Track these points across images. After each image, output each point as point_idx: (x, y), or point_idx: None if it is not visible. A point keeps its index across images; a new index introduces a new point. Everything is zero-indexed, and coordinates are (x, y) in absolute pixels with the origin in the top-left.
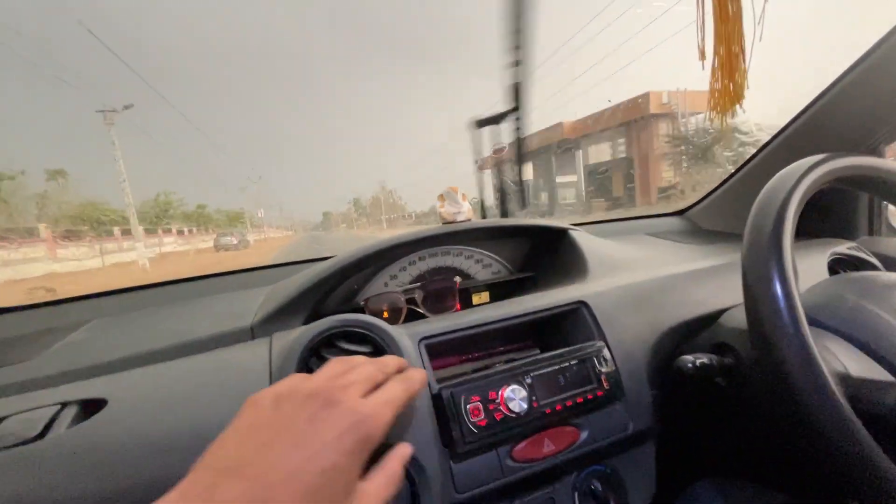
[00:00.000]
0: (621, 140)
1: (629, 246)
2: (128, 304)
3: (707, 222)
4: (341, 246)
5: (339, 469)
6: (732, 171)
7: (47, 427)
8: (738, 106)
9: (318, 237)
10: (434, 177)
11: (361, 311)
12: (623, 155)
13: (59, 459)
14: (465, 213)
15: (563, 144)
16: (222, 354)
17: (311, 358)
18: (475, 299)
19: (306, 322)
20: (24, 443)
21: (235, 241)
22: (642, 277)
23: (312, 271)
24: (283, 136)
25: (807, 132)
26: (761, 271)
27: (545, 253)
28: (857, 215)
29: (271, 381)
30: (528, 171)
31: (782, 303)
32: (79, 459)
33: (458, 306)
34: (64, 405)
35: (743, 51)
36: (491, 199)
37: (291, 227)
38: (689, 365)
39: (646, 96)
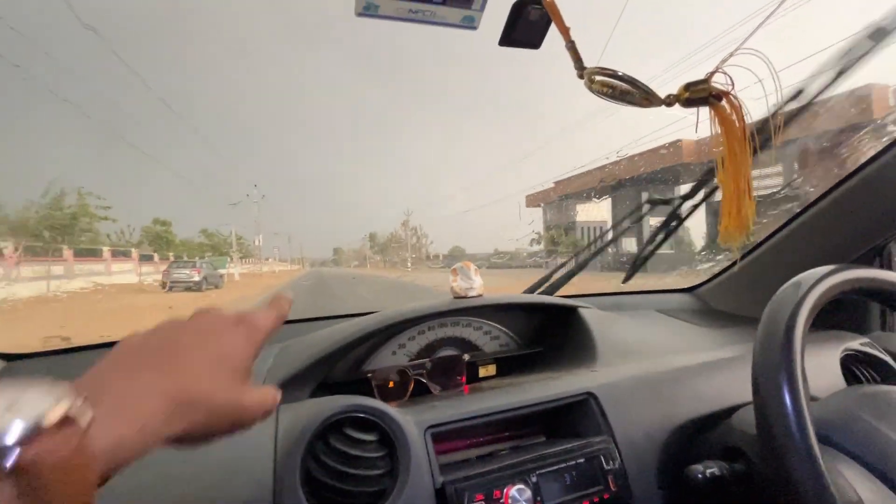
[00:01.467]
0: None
1: (639, 325)
2: None
3: (718, 302)
4: (344, 290)
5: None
6: (743, 252)
7: None
8: (745, 237)
9: (321, 275)
10: (475, 215)
11: (368, 382)
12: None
13: None
14: (476, 288)
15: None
16: None
17: (318, 443)
18: (482, 371)
19: (314, 392)
20: None
21: (198, 278)
22: (653, 368)
23: (327, 340)
24: (300, 161)
25: (820, 222)
26: (770, 385)
27: (554, 328)
28: (870, 310)
29: (275, 463)
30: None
31: (792, 421)
32: None
33: (464, 380)
34: None
35: (750, 187)
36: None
37: (301, 260)
38: (700, 476)
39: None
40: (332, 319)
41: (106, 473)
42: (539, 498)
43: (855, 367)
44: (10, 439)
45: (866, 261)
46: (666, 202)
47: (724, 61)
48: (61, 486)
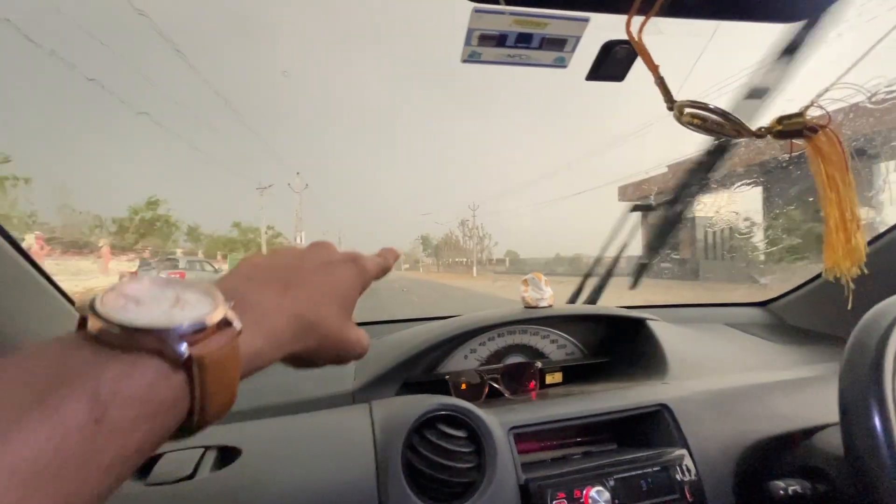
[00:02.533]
0: None
1: (709, 339)
2: None
3: (794, 318)
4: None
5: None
6: None
7: (196, 468)
8: (856, 268)
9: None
10: (529, 219)
11: (445, 383)
12: None
13: (207, 501)
14: (547, 299)
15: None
16: (330, 417)
17: (415, 436)
18: (548, 379)
19: (399, 391)
20: (179, 481)
21: None
22: (728, 384)
23: (409, 342)
24: (346, 158)
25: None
26: (859, 409)
27: (621, 340)
28: None
29: (376, 451)
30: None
31: (884, 450)
32: (222, 503)
33: (534, 386)
34: (206, 449)
35: (856, 216)
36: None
37: None
38: (782, 492)
39: None
40: (406, 322)
41: (244, 376)
42: (617, 501)
43: None
44: (183, 331)
45: None
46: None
47: (819, 95)
48: (218, 379)
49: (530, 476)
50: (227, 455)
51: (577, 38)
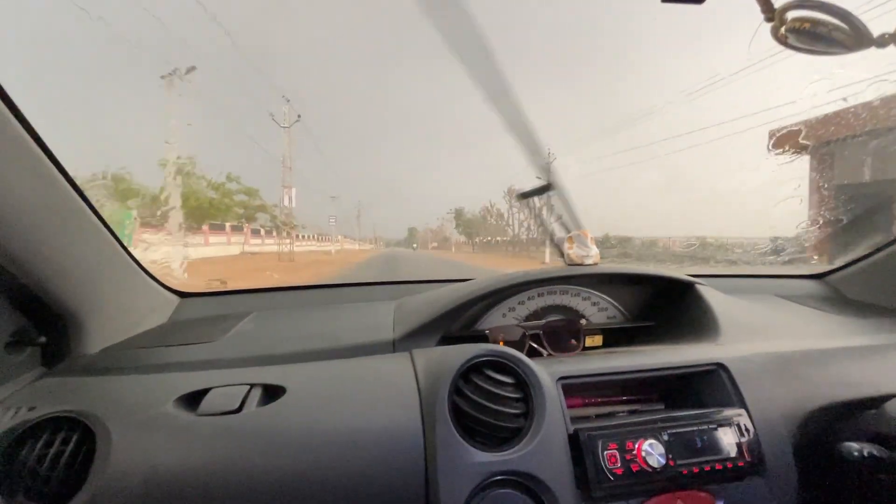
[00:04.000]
0: None
1: (762, 307)
2: (275, 302)
3: (854, 292)
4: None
5: None
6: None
7: (242, 403)
8: None
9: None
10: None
11: (485, 338)
12: None
13: (254, 434)
14: (593, 256)
15: None
16: (371, 363)
17: (461, 381)
18: (588, 342)
19: (439, 342)
20: (226, 413)
21: None
22: (788, 347)
23: (447, 297)
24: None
25: None
26: None
27: (667, 304)
28: None
29: (420, 395)
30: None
31: None
32: (268, 437)
33: (580, 347)
34: (252, 386)
35: None
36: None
37: (374, 240)
38: (856, 453)
39: None
40: (434, 283)
41: None
42: (671, 455)
43: None
44: None
45: None
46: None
47: None
48: None
49: (579, 427)
50: (271, 392)
51: None
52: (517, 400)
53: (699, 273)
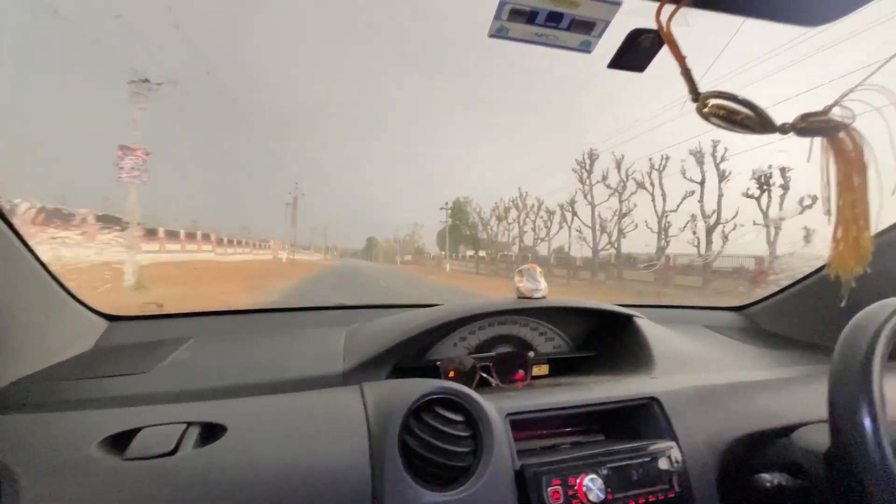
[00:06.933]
0: None
1: (691, 339)
2: (217, 327)
3: (769, 324)
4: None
5: None
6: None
7: (178, 444)
8: (860, 267)
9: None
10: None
11: (435, 369)
12: None
13: (190, 479)
14: (542, 290)
15: None
16: (320, 397)
17: (411, 418)
18: (535, 370)
19: (389, 375)
20: (159, 456)
21: None
22: (714, 380)
23: (400, 327)
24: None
25: (883, 258)
26: (851, 409)
27: (608, 335)
28: None
29: (369, 432)
30: None
31: (873, 448)
32: (206, 482)
33: (522, 377)
34: (189, 424)
35: (867, 218)
36: None
37: (327, 249)
38: (768, 484)
39: None
40: (389, 308)
41: None
42: (609, 489)
43: None
44: None
45: None
46: None
47: (844, 95)
48: None
49: (525, 462)
50: (210, 431)
51: (607, 23)
52: (466, 437)
53: (637, 304)
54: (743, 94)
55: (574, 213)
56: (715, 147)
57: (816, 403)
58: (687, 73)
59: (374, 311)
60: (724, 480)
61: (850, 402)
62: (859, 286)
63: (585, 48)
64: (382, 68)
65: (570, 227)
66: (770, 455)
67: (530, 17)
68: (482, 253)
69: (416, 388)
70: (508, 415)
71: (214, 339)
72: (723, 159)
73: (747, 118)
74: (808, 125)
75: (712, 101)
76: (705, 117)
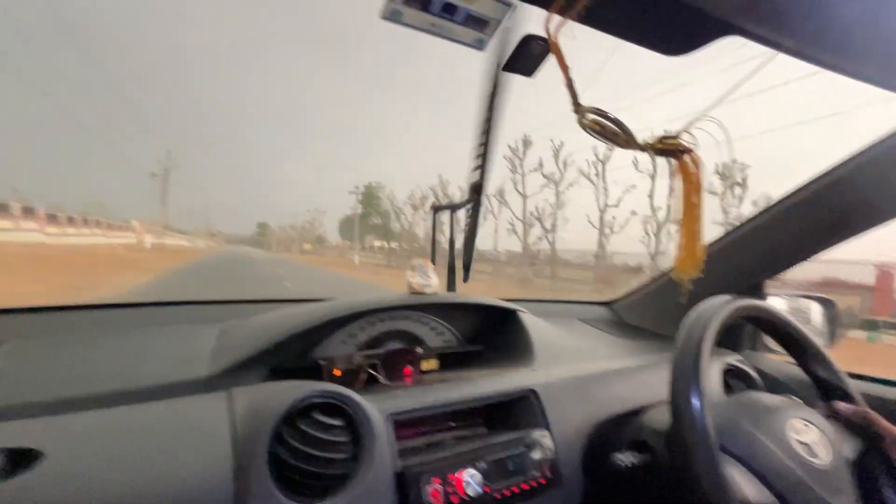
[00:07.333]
0: None
1: (567, 332)
2: (48, 326)
3: (630, 317)
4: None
5: None
6: (658, 275)
7: None
8: (696, 272)
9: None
10: None
11: (318, 369)
12: None
13: None
14: (433, 286)
15: None
16: (175, 407)
17: (285, 426)
18: (424, 365)
19: (266, 378)
20: None
21: None
22: (584, 371)
23: (280, 324)
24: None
25: (714, 260)
26: (685, 393)
27: (495, 329)
28: (742, 333)
29: (234, 443)
30: None
31: (698, 424)
32: None
33: (411, 373)
34: None
35: (701, 231)
36: None
37: (209, 234)
38: (620, 463)
39: None
40: (273, 303)
41: None
42: (487, 482)
43: (730, 379)
44: None
45: (747, 293)
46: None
47: (691, 123)
48: None
49: (406, 463)
50: (20, 461)
51: (499, 22)
52: (346, 443)
53: (521, 298)
54: (616, 114)
55: (502, 203)
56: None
57: (663, 387)
58: (570, 85)
59: (255, 306)
60: (587, 462)
61: (684, 385)
62: (697, 286)
63: (479, 46)
64: (279, 35)
65: (496, 219)
66: (625, 435)
67: (424, 4)
68: (395, 244)
69: (290, 392)
70: (392, 415)
71: (41, 343)
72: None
73: (616, 134)
74: (663, 146)
75: (590, 116)
76: (583, 127)
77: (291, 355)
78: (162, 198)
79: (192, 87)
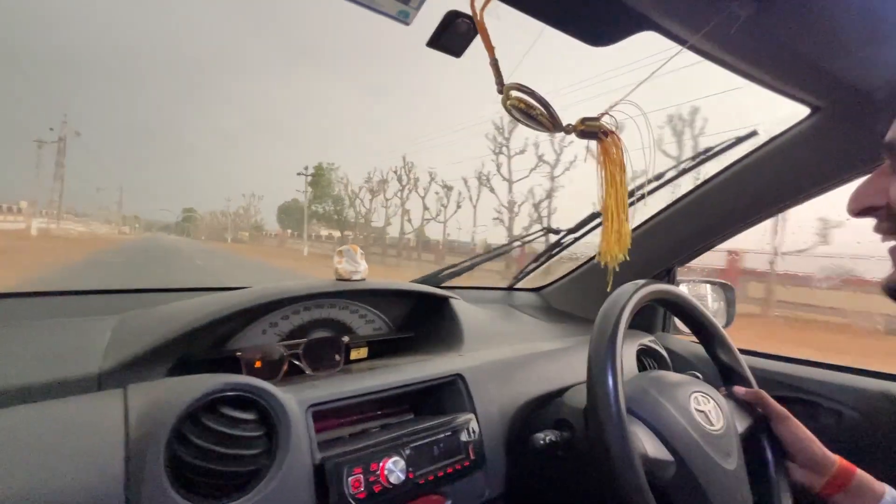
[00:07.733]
0: None
1: (497, 317)
2: None
3: (557, 302)
4: None
5: None
6: (581, 262)
7: None
8: (623, 254)
9: None
10: None
11: (235, 360)
12: None
13: None
14: (361, 272)
15: None
16: (61, 407)
17: (187, 423)
18: (354, 354)
19: (172, 371)
20: None
21: None
22: (509, 354)
23: (188, 313)
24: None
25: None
26: (601, 370)
27: (425, 316)
28: (655, 315)
29: (127, 446)
30: None
31: (612, 398)
32: None
33: (342, 363)
34: None
35: (626, 212)
36: None
37: (124, 219)
38: (541, 442)
39: None
40: (183, 292)
41: None
42: (410, 468)
43: (643, 358)
44: None
45: (660, 278)
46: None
47: (612, 106)
48: None
49: (326, 455)
50: None
51: None
52: (259, 437)
53: (452, 285)
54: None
55: (487, 186)
56: None
57: (584, 368)
58: (495, 65)
59: (164, 295)
60: (510, 443)
61: (600, 365)
62: (621, 270)
63: (403, 18)
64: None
65: (475, 206)
66: (546, 415)
67: None
68: (349, 233)
69: (193, 387)
70: (311, 406)
71: None
72: None
73: (541, 115)
74: (585, 128)
75: (514, 93)
76: (508, 110)
77: (202, 347)
78: (56, 171)
79: (96, 36)
